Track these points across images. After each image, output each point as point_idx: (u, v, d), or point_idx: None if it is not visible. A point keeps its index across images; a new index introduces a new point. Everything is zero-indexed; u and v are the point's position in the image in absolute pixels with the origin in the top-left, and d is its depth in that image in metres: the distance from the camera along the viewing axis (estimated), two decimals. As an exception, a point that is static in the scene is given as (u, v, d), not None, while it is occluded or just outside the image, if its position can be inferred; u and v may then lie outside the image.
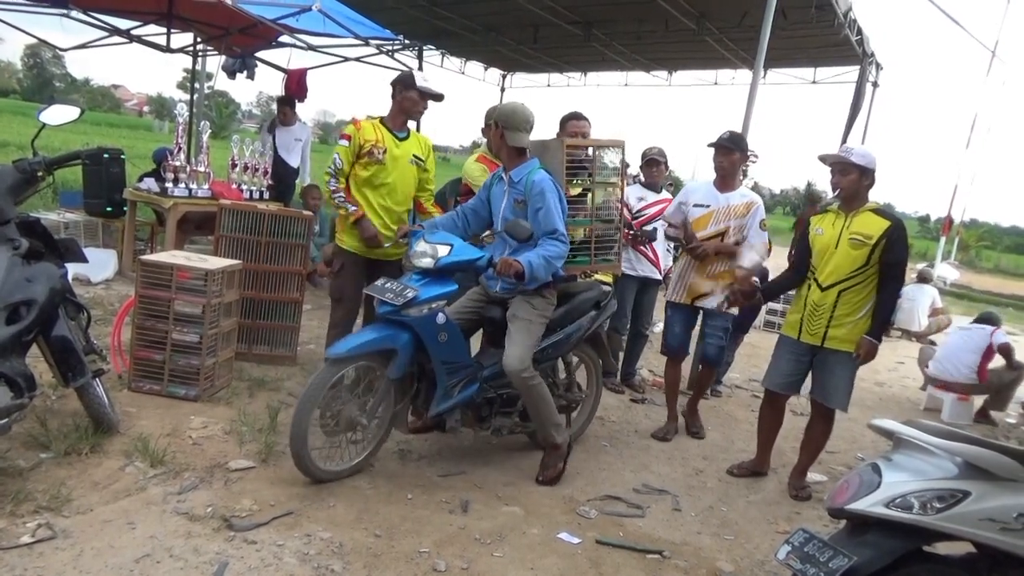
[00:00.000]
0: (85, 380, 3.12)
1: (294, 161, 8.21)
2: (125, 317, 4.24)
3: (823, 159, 3.88)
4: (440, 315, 3.33)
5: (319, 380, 3.17)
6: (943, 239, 19.24)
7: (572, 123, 4.62)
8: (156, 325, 3.93)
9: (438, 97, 4.16)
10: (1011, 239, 53.22)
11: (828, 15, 8.27)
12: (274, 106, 10.58)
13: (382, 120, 4.16)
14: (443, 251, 3.37)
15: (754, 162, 4.58)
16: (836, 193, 3.88)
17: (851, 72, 10.46)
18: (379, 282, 3.44)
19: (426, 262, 3.36)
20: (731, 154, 4.39)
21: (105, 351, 3.57)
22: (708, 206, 4.46)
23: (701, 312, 4.61)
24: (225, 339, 4.19)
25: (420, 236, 3.53)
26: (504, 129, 3.52)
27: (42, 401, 3.54)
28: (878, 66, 10.29)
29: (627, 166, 8.44)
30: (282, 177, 7.47)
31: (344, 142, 4.08)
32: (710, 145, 4.43)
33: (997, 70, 16.80)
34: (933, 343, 8.71)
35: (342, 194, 4.10)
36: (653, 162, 5.40)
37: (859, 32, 9.15)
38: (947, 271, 17.75)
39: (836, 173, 3.77)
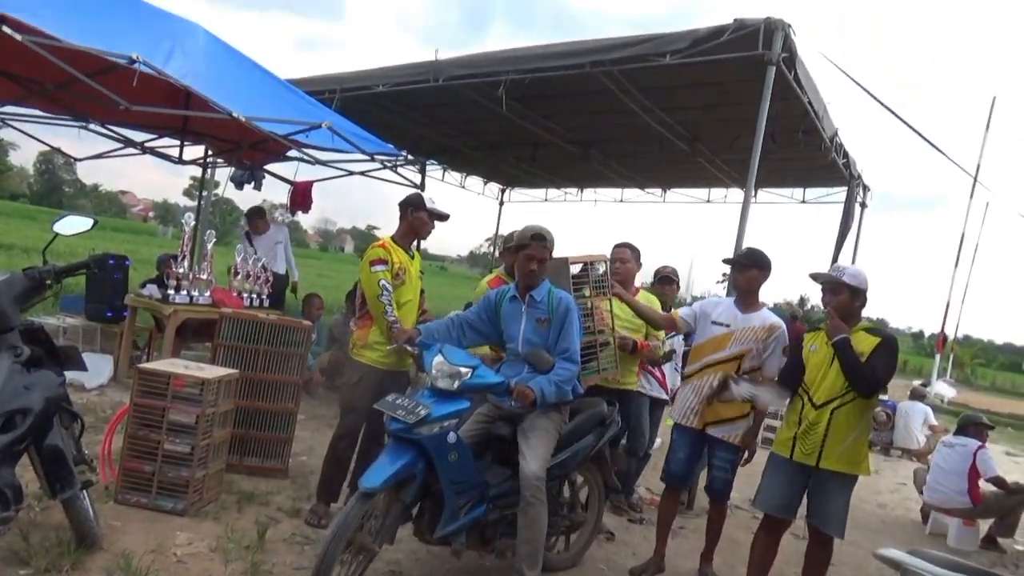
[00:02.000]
0: (73, 492, 3.04)
1: (279, 267, 8.24)
2: (117, 426, 4.19)
3: (814, 277, 3.87)
4: (451, 434, 3.22)
5: (353, 512, 3.02)
6: (938, 356, 19.22)
7: (615, 250, 4.87)
8: (149, 435, 3.88)
9: (445, 218, 4.31)
10: (1005, 356, 53.45)
11: (815, 139, 8.62)
12: (276, 214, 10.65)
13: (394, 240, 4.23)
14: (466, 373, 3.31)
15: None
16: (826, 311, 3.81)
17: (839, 192, 10.78)
18: (390, 398, 3.34)
19: (446, 383, 3.29)
20: (746, 271, 4.18)
21: (94, 460, 3.50)
22: (728, 326, 4.13)
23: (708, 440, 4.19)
24: (217, 450, 4.13)
25: (437, 351, 3.44)
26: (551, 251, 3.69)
27: (26, 513, 3.44)
28: (865, 187, 10.62)
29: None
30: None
31: (383, 267, 4.02)
32: (726, 261, 4.39)
33: (980, 192, 17.34)
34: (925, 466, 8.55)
35: (399, 325, 3.99)
36: (667, 280, 5.48)
37: (845, 155, 9.50)
38: (944, 389, 17.61)
39: (827, 292, 3.76)
